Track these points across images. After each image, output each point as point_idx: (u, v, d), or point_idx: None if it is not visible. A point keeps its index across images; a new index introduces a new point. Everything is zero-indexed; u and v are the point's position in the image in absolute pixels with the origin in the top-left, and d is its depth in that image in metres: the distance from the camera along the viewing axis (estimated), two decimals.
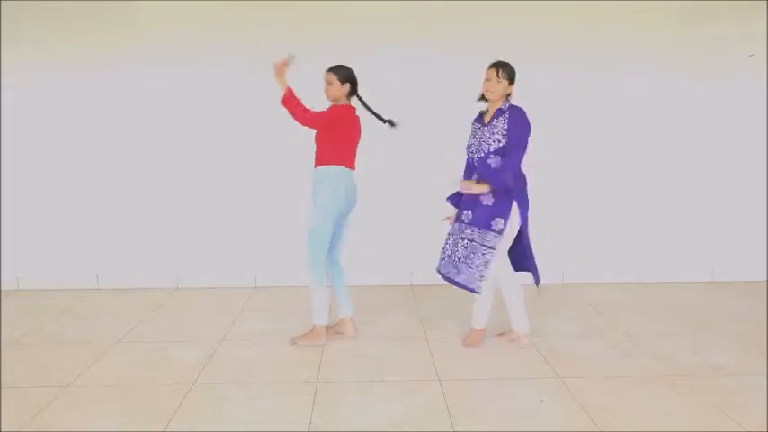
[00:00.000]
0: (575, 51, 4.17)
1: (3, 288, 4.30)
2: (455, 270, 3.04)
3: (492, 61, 2.98)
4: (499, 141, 2.93)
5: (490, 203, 2.96)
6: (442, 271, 3.13)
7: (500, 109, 2.97)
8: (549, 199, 4.31)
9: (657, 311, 3.77)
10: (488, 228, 2.96)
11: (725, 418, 2.39)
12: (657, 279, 4.44)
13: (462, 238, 3.02)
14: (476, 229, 2.98)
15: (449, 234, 3.14)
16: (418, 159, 4.15)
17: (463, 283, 3.01)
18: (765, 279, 4.41)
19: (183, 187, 4.27)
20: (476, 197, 2.98)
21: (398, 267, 4.41)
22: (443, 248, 3.14)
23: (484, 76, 2.97)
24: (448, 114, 4.14)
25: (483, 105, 3.08)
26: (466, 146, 3.12)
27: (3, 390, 2.68)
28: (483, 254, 2.95)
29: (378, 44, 4.10)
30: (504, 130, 2.92)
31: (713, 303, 3.93)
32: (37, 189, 4.26)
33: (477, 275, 2.96)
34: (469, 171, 3.09)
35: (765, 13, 4.16)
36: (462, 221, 3.04)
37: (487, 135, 2.96)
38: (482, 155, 2.97)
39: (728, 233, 4.41)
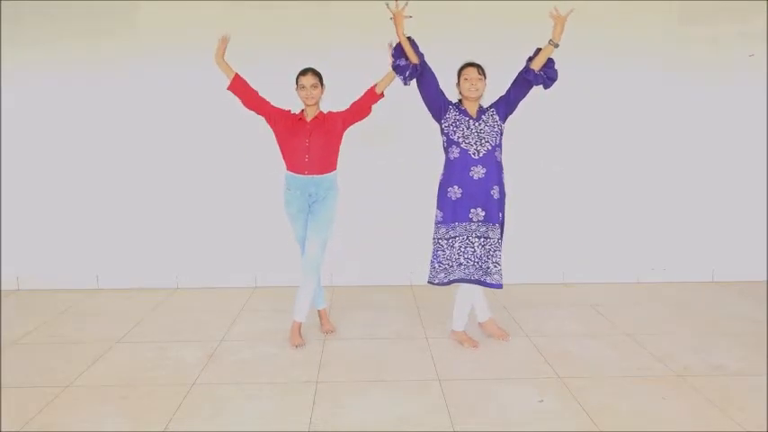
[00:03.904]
0: (575, 51, 4.15)
1: (3, 288, 4.30)
2: (482, 272, 3.03)
3: (465, 62, 3.04)
4: (498, 134, 3.02)
5: (499, 196, 3.01)
6: (467, 278, 3.04)
7: (482, 108, 3.05)
8: (549, 199, 4.32)
9: (658, 312, 3.77)
10: (499, 221, 3.03)
11: (725, 418, 2.39)
12: (658, 279, 4.44)
13: (478, 237, 3.00)
14: (490, 225, 3.00)
15: (447, 240, 3.01)
16: (418, 160, 4.15)
17: (496, 283, 3.02)
18: (765, 279, 4.41)
19: (183, 187, 4.27)
20: (487, 191, 2.96)
21: (398, 267, 4.41)
22: (449, 257, 3.02)
23: (461, 77, 3.02)
24: None
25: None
26: (453, 136, 2.99)
27: (3, 390, 2.68)
28: (500, 249, 3.03)
29: (378, 44, 4.09)
30: (497, 122, 3.02)
31: (713, 303, 3.93)
32: (37, 189, 4.26)
33: (501, 270, 3.03)
34: (465, 164, 2.96)
35: (765, 13, 4.16)
36: (471, 220, 2.99)
37: (487, 130, 2.99)
38: (489, 148, 2.98)
39: (728, 233, 4.41)
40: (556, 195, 4.32)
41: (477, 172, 2.96)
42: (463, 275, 3.06)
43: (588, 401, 2.54)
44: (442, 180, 3.07)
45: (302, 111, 3.21)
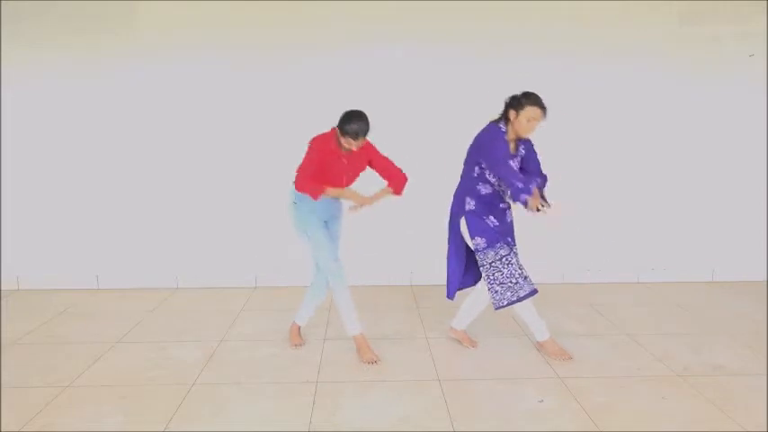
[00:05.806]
0: (575, 51, 4.17)
1: (3, 288, 4.30)
2: None
3: (532, 98, 2.84)
4: None
5: (511, 218, 3.10)
6: (535, 290, 2.95)
7: (517, 143, 3.03)
8: (549, 199, 4.31)
9: (658, 311, 3.77)
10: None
11: (725, 418, 2.39)
12: (657, 279, 4.44)
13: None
14: (515, 248, 3.06)
15: (500, 260, 2.89)
16: (418, 160, 4.14)
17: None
18: (765, 279, 4.41)
19: (183, 187, 4.27)
20: (508, 218, 3.07)
21: (398, 267, 4.41)
22: (512, 274, 2.88)
23: (523, 115, 2.81)
24: (447, 115, 4.14)
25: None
26: (491, 178, 2.93)
27: (3, 390, 2.68)
28: None
29: (378, 43, 4.10)
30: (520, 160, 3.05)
31: (713, 303, 3.93)
32: (37, 189, 4.26)
33: None
34: (496, 199, 2.99)
35: (765, 13, 4.16)
36: (511, 245, 3.02)
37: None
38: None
39: (728, 233, 4.41)
40: (556, 195, 4.31)
41: (503, 203, 3.03)
42: (532, 289, 2.90)
43: (588, 401, 2.54)
44: (472, 210, 2.95)
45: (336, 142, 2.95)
